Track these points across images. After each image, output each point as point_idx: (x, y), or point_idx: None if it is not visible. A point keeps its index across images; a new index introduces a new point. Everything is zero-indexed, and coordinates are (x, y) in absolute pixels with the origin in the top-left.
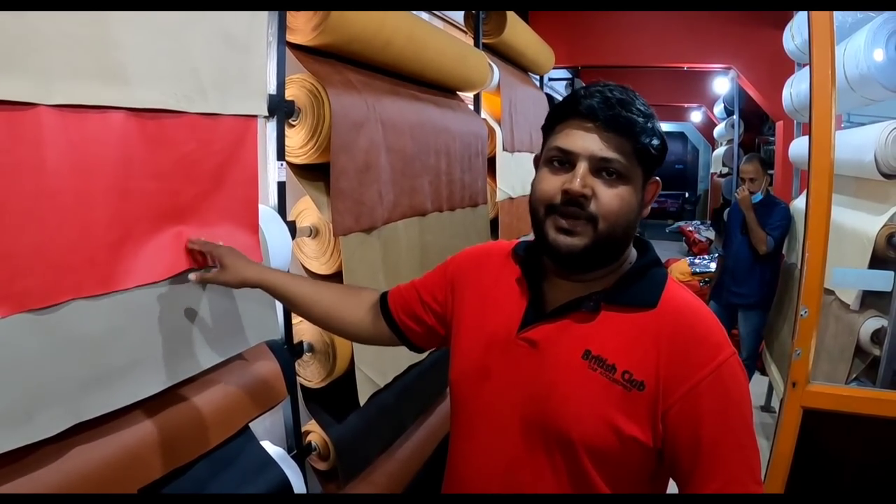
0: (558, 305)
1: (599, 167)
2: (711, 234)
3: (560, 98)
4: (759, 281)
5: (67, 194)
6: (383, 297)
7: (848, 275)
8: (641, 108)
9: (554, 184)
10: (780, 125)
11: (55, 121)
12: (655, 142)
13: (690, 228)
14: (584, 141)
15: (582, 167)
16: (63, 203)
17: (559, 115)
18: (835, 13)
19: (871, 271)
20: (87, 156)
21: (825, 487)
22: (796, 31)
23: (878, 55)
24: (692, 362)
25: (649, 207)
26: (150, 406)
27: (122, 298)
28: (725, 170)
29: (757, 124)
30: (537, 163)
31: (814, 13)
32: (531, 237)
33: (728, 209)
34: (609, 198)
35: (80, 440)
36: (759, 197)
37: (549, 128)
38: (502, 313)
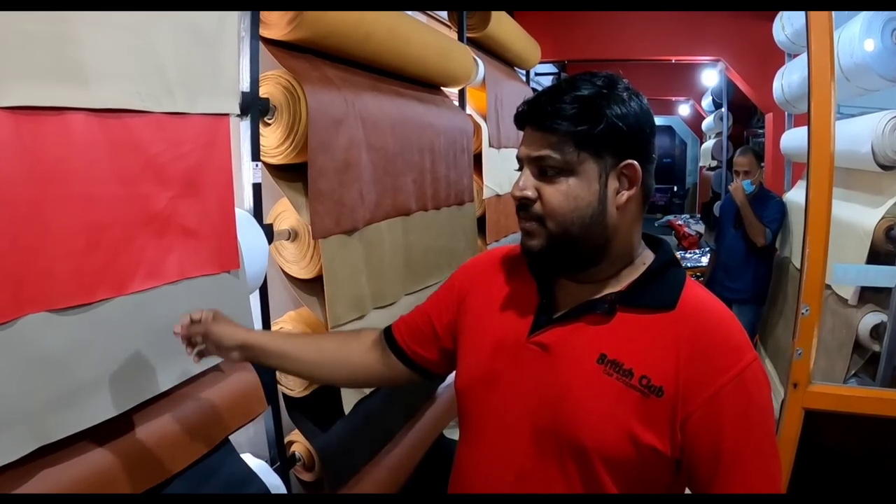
0: (571, 308)
1: (540, 167)
2: (701, 228)
3: None
4: (752, 275)
5: (23, 203)
6: (387, 331)
7: (850, 271)
8: (585, 91)
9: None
10: (769, 117)
11: (8, 124)
12: (600, 124)
13: (680, 222)
14: (525, 145)
15: (526, 171)
16: (18, 212)
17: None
18: None
19: (873, 267)
20: (45, 161)
21: (826, 486)
22: (786, 22)
23: (870, 45)
24: (714, 367)
25: (635, 190)
26: (121, 424)
27: (88, 312)
28: (714, 163)
29: (745, 117)
30: None
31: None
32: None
33: (720, 203)
34: (549, 195)
35: (45, 463)
36: (750, 188)
37: None
38: (510, 317)
